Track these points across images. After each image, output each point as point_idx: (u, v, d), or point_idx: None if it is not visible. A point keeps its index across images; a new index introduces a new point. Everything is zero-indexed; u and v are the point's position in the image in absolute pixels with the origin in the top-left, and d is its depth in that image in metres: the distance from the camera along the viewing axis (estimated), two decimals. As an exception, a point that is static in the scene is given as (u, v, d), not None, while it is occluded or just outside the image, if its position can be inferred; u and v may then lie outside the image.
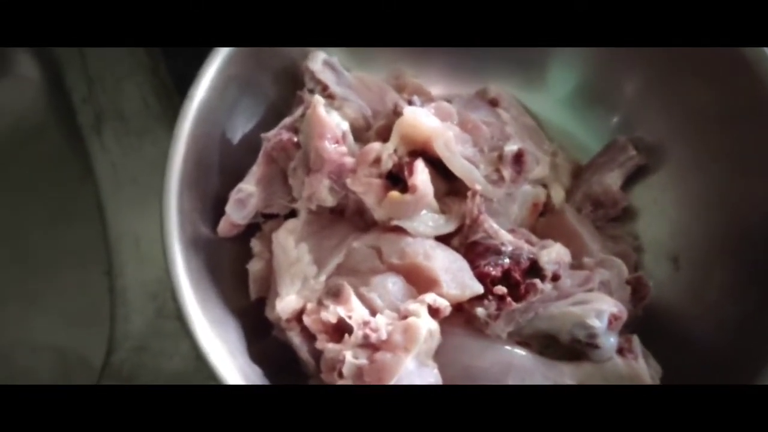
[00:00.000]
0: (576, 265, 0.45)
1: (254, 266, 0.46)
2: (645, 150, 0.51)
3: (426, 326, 0.39)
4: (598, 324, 0.40)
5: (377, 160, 0.44)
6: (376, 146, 0.44)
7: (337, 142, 0.44)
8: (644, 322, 0.47)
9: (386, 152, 0.43)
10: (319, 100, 0.44)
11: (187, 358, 0.53)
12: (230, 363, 0.40)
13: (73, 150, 0.63)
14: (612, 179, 0.50)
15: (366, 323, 0.40)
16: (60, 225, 0.64)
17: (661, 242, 0.50)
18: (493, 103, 0.52)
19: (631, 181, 0.52)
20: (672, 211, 0.50)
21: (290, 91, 0.49)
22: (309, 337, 0.42)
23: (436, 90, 0.54)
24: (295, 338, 0.42)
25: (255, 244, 0.47)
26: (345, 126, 0.45)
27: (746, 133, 0.44)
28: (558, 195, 0.51)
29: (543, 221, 0.49)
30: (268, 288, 0.46)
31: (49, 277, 0.62)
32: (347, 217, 0.46)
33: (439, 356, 0.41)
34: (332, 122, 0.44)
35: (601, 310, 0.41)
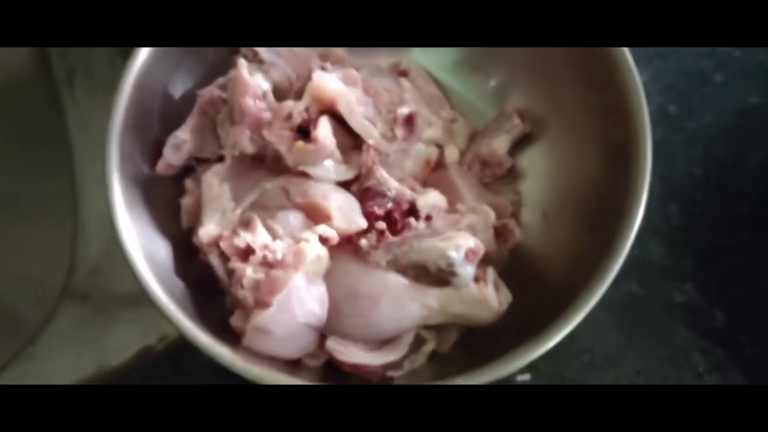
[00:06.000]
0: (451, 210, 0.53)
1: (186, 201, 0.54)
2: (530, 120, 0.58)
3: (314, 251, 0.47)
4: (455, 255, 0.48)
5: (289, 116, 0.52)
6: (289, 104, 0.52)
7: (257, 99, 0.52)
8: (515, 262, 0.56)
9: (297, 109, 0.52)
10: (242, 63, 0.52)
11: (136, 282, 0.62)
12: (154, 275, 0.47)
13: (49, 103, 0.71)
14: (498, 143, 0.57)
15: (266, 246, 0.48)
16: (36, 173, 0.71)
17: (536, 198, 0.57)
18: (403, 74, 0.60)
19: (519, 146, 0.59)
20: (544, 173, 0.57)
21: (228, 55, 0.56)
22: (225, 259, 0.49)
23: (359, 61, 0.60)
24: (214, 260, 0.50)
25: (188, 183, 0.55)
26: (266, 86, 0.52)
27: (589, 119, 0.54)
28: (452, 154, 0.58)
29: (433, 175, 0.57)
30: (197, 219, 0.53)
31: (21, 219, 0.70)
32: (267, 163, 0.53)
33: (329, 278, 0.49)
34: (254, 82, 0.52)
35: (459, 245, 0.48)
